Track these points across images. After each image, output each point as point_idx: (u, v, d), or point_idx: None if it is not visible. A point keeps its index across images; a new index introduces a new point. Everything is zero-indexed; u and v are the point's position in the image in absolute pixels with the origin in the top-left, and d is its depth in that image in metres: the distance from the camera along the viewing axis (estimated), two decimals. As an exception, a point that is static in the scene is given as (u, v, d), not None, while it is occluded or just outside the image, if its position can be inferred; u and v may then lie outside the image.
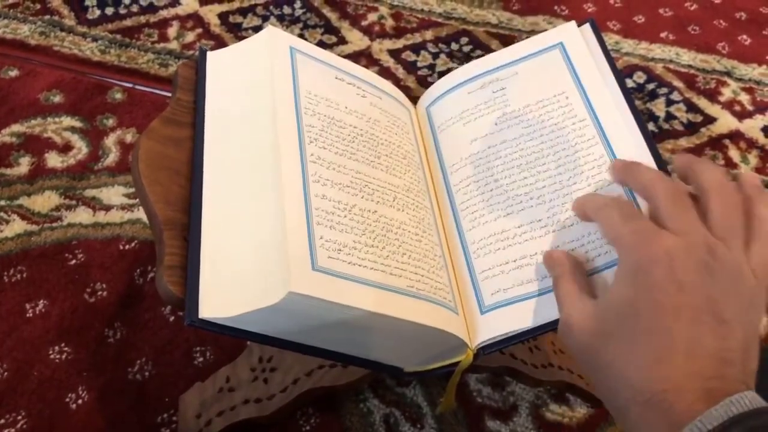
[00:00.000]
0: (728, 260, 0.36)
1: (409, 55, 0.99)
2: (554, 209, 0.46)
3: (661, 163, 0.45)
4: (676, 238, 0.36)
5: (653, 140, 0.46)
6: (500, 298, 0.44)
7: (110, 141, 0.84)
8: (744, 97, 0.96)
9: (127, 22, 0.99)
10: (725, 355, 0.33)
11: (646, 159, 0.45)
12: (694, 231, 0.37)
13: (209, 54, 0.53)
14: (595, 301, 0.38)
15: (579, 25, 0.53)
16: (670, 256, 0.35)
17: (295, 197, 0.42)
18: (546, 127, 0.50)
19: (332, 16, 1.04)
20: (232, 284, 0.40)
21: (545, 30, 0.55)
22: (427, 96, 0.57)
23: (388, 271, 0.42)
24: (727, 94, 0.97)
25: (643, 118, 0.49)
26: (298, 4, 1.05)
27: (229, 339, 0.66)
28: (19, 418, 0.62)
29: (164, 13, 1.01)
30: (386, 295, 0.41)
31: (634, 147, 0.46)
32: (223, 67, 0.52)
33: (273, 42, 0.51)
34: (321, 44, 0.98)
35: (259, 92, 0.48)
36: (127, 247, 0.74)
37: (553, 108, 0.50)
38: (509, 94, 0.52)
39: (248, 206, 0.43)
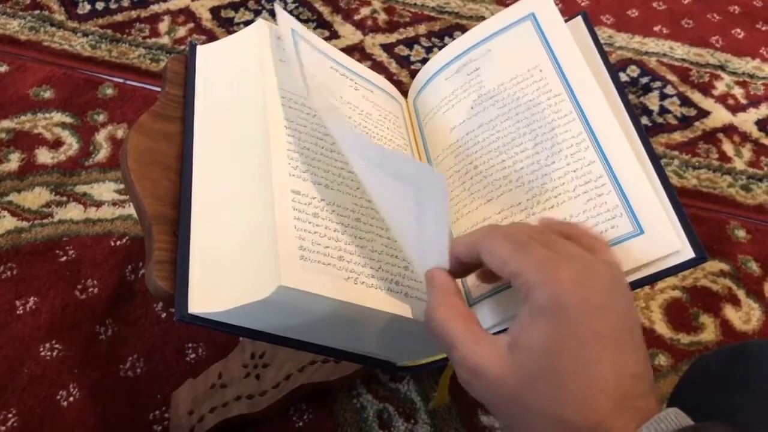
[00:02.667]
0: (614, 270, 0.35)
1: (402, 50, 0.99)
2: (533, 191, 0.44)
3: (654, 157, 0.44)
4: (574, 261, 0.33)
5: (646, 134, 0.46)
6: (486, 290, 0.44)
7: (101, 137, 0.83)
8: (738, 91, 0.96)
9: (118, 17, 0.98)
10: (640, 370, 0.32)
11: (636, 148, 0.44)
12: (574, 250, 0.35)
13: (198, 48, 0.52)
14: (504, 343, 0.33)
15: (571, 18, 0.53)
16: (581, 284, 0.32)
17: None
18: (521, 105, 0.48)
19: (324, 10, 1.03)
20: (222, 279, 0.39)
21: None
22: (413, 88, 0.56)
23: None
24: (720, 87, 0.97)
25: (636, 112, 0.48)
26: (290, -1, 1.04)
27: (222, 335, 0.66)
28: (10, 416, 0.62)
29: (155, 8, 1.00)
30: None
31: (614, 124, 0.44)
32: (213, 60, 0.51)
33: (263, 35, 0.50)
34: (313, 39, 0.97)
35: (249, 85, 0.47)
36: (118, 243, 0.74)
37: (528, 84, 0.48)
38: (483, 74, 0.50)
39: (238, 201, 0.42)
